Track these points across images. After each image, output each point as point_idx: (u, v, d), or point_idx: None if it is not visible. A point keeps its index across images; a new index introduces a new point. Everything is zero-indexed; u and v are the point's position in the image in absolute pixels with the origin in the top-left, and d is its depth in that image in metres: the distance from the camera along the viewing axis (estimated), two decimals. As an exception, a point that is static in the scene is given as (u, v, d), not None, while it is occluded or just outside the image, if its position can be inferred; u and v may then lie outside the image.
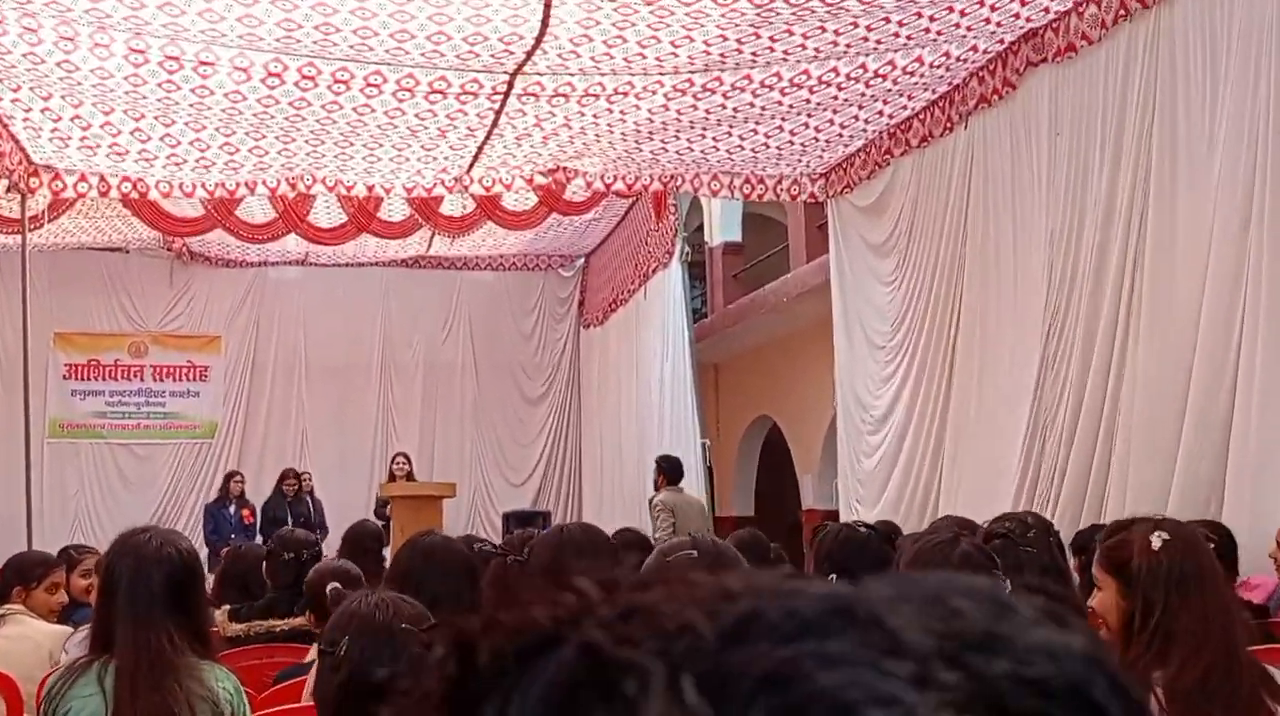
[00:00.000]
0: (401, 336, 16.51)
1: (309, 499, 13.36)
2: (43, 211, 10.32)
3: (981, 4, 6.45)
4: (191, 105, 7.71)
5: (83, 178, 9.35)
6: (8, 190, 9.26)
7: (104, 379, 15.51)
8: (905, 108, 8.20)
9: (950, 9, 6.42)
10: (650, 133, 8.29)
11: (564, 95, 7.54)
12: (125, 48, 6.77)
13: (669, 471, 9.72)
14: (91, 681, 2.99)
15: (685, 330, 12.29)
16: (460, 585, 3.38)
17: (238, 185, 9.61)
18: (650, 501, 9.81)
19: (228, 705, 3.09)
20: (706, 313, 16.46)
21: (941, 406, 7.98)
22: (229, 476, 13.29)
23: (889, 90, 7.73)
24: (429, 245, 13.83)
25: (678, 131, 8.29)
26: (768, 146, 8.79)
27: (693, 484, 10.93)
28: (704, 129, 8.27)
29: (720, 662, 0.40)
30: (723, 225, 15.93)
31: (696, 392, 12.04)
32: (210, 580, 7.91)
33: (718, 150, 8.86)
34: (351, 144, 8.57)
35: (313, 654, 3.42)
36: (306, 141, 8.48)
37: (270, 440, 15.74)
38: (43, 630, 4.28)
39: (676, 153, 8.88)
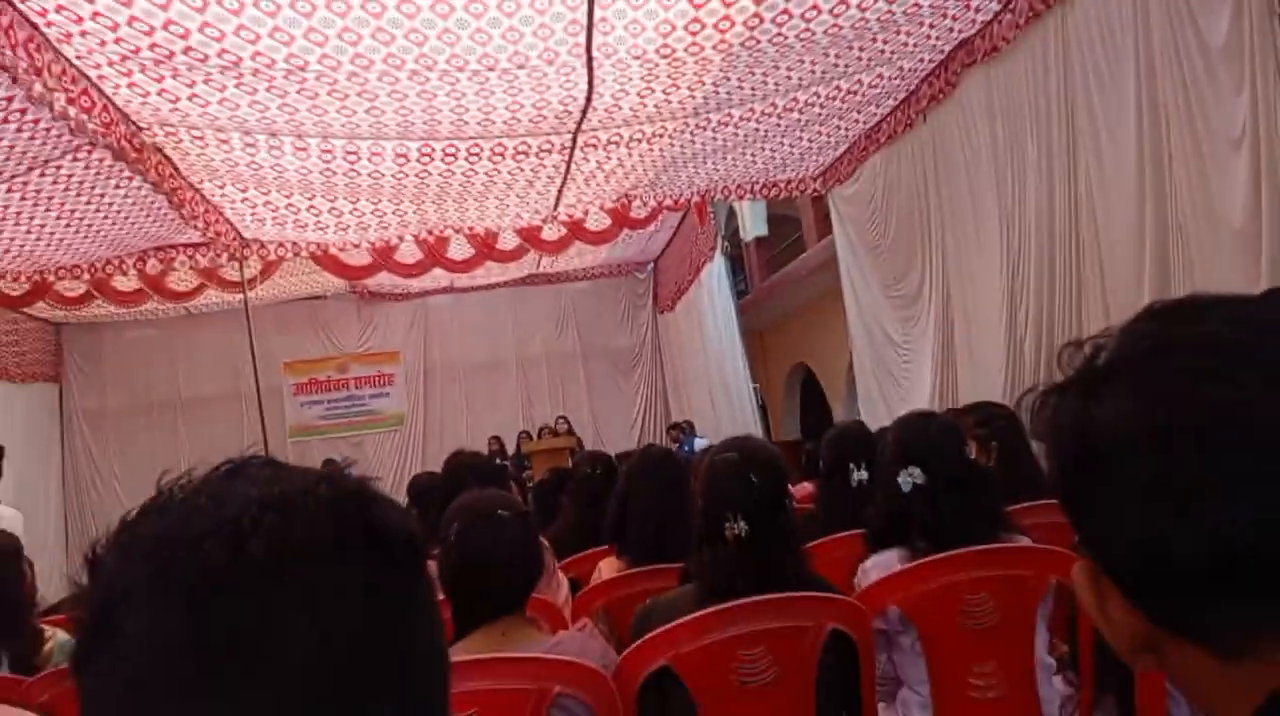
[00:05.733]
0: (528, 337, 18.30)
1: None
2: (257, 274, 11.64)
3: (920, 25, 6.75)
4: (346, 185, 8.47)
5: (280, 244, 10.48)
6: (230, 260, 10.43)
7: (321, 392, 17.72)
8: (874, 114, 8.63)
9: (897, 32, 6.70)
10: (685, 160, 8.96)
11: (615, 142, 8.14)
12: (291, 148, 7.50)
13: None
14: None
15: (732, 306, 13.50)
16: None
17: (391, 237, 10.72)
18: None
19: None
20: (748, 290, 17.92)
21: (946, 335, 8.13)
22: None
23: (860, 101, 8.10)
24: (538, 264, 15.45)
25: (705, 157, 8.93)
26: (775, 158, 9.42)
27: (749, 418, 12.46)
28: (724, 152, 8.85)
29: None
30: (753, 223, 17.59)
31: (745, 351, 13.43)
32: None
33: (739, 166, 9.53)
34: (467, 198, 9.39)
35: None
36: (433, 201, 9.34)
37: (446, 424, 17.70)
38: None
39: (708, 172, 9.66)
